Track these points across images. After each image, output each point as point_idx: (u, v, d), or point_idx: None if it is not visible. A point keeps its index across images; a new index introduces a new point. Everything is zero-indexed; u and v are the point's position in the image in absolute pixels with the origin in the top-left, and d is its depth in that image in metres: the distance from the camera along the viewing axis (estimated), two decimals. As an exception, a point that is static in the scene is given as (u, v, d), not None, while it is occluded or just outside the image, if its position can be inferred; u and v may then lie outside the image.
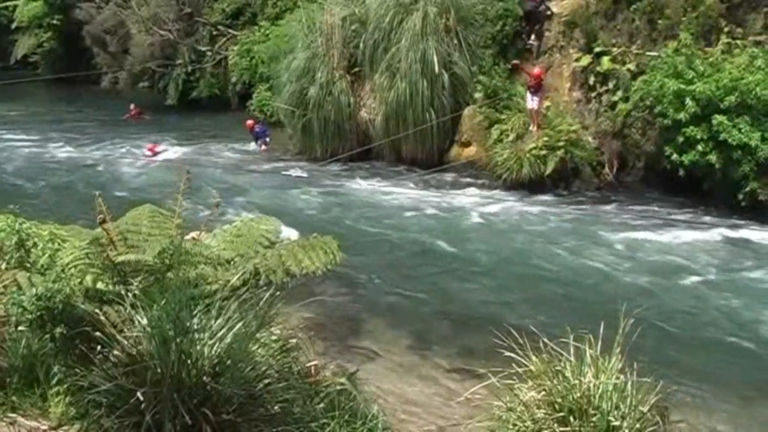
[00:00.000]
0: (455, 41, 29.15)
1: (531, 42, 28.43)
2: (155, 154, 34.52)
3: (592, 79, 26.65)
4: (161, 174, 29.43)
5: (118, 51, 47.95)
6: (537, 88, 26.12)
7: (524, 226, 23.39)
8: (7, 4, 60.23)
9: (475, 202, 25.33)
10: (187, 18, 44.92)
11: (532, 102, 26.21)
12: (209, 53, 44.29)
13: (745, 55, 23.38)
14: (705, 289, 18.87)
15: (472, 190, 26.78)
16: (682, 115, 22.87)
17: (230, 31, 44.16)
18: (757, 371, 14.96)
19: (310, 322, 15.77)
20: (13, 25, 59.13)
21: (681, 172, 23.47)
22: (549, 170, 25.47)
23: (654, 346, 14.00)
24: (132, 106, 42.64)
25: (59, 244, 10.62)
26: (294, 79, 31.34)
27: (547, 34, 28.05)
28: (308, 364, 9.99)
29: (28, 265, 10.61)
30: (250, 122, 34.88)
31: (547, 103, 26.83)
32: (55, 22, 54.70)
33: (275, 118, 34.49)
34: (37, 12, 56.01)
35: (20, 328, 8.69)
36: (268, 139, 33.92)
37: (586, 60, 26.72)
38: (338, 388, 9.52)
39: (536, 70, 26.52)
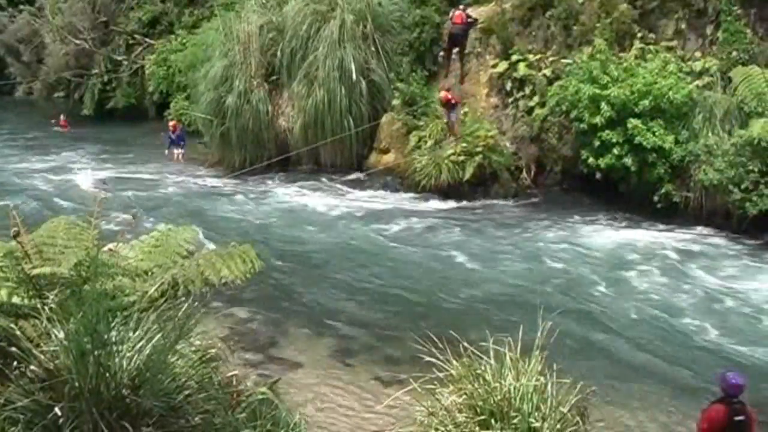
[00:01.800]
0: (372, 48, 29.23)
1: (451, 57, 28.28)
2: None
3: (509, 85, 26.91)
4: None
5: (32, 60, 47.35)
6: (452, 106, 26.20)
7: (438, 233, 23.50)
8: None
9: (395, 208, 25.45)
10: (102, 27, 44.47)
11: (450, 116, 26.28)
12: (125, 62, 43.88)
13: (658, 60, 23.85)
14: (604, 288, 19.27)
15: (390, 197, 26.90)
16: (597, 120, 23.23)
17: (147, 40, 43.76)
18: (674, 368, 15.22)
19: (230, 332, 15.77)
20: None
21: (598, 176, 23.84)
22: (467, 176, 25.57)
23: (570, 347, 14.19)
24: (62, 117, 42.28)
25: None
26: (211, 87, 31.09)
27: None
28: (229, 374, 9.95)
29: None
30: (173, 123, 34.50)
31: (464, 110, 26.95)
32: (-34, 31, 53.76)
33: (193, 127, 34.18)
34: (-53, 21, 54.98)
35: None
36: (183, 149, 33.55)
37: (502, 66, 26.96)
38: (260, 397, 9.49)
39: (441, 94, 26.47)
